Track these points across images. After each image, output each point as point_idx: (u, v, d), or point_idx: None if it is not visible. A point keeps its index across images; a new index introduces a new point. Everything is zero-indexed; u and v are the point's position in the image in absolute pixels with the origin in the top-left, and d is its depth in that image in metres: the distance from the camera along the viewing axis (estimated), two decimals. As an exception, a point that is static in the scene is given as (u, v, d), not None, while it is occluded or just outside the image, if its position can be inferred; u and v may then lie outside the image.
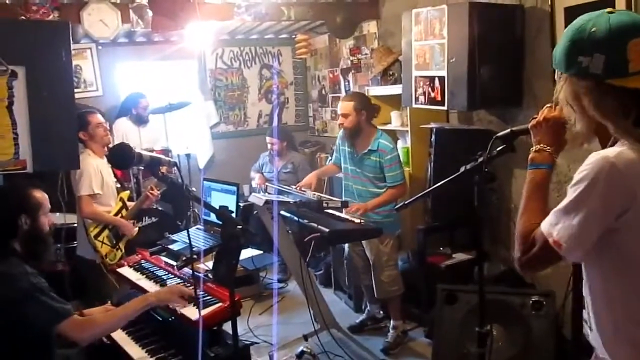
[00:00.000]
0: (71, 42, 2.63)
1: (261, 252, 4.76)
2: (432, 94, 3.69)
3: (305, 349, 3.73)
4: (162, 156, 1.83)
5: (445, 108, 3.68)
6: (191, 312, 2.30)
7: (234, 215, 2.32)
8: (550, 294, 3.02)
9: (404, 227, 4.15)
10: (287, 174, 5.47)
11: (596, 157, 1.26)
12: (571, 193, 1.29)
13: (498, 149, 1.77)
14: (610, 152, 1.26)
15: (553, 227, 1.32)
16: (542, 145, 1.48)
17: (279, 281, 5.12)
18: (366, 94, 4.84)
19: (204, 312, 2.23)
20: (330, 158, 5.46)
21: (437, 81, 3.63)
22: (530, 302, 3.00)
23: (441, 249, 4.00)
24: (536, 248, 1.35)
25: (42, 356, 2.16)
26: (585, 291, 1.43)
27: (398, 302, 3.90)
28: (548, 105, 1.52)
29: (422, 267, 3.89)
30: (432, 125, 3.92)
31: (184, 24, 2.90)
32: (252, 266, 4.59)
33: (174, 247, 2.92)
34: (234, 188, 2.93)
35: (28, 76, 2.52)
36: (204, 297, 2.42)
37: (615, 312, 1.35)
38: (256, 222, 4.22)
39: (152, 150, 4.63)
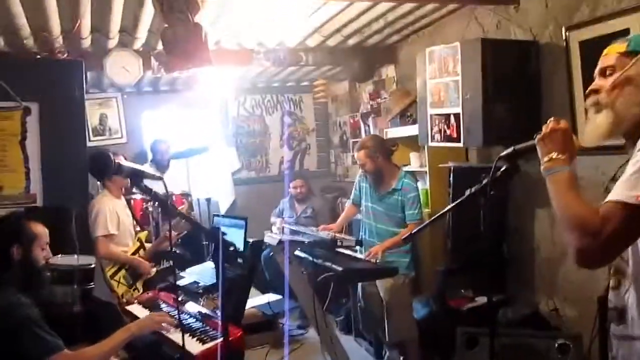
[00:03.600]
0: (84, 80, 2.70)
1: (280, 297, 4.67)
2: (448, 132, 3.65)
3: (321, 397, 3.59)
4: (145, 169, 1.82)
5: (461, 145, 3.62)
6: (193, 347, 2.24)
7: (239, 246, 2.27)
8: (577, 337, 2.85)
9: (424, 269, 4.03)
10: (307, 219, 5.44)
11: None
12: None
13: (502, 169, 1.70)
14: None
15: (631, 190, 1.25)
16: (554, 154, 1.45)
17: (299, 327, 4.98)
18: (383, 135, 4.83)
19: (206, 346, 2.18)
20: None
21: (452, 118, 3.60)
22: (556, 345, 2.84)
23: (462, 291, 3.85)
24: (613, 223, 1.25)
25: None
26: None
27: (415, 347, 3.76)
28: (552, 119, 1.52)
29: (443, 311, 3.75)
30: (450, 164, 3.86)
31: (198, 64, 2.97)
32: (270, 311, 4.49)
33: (181, 282, 2.90)
34: (242, 222, 2.91)
35: (41, 112, 2.59)
36: (210, 332, 2.38)
37: None
38: (274, 267, 4.17)
39: (171, 195, 4.68)
